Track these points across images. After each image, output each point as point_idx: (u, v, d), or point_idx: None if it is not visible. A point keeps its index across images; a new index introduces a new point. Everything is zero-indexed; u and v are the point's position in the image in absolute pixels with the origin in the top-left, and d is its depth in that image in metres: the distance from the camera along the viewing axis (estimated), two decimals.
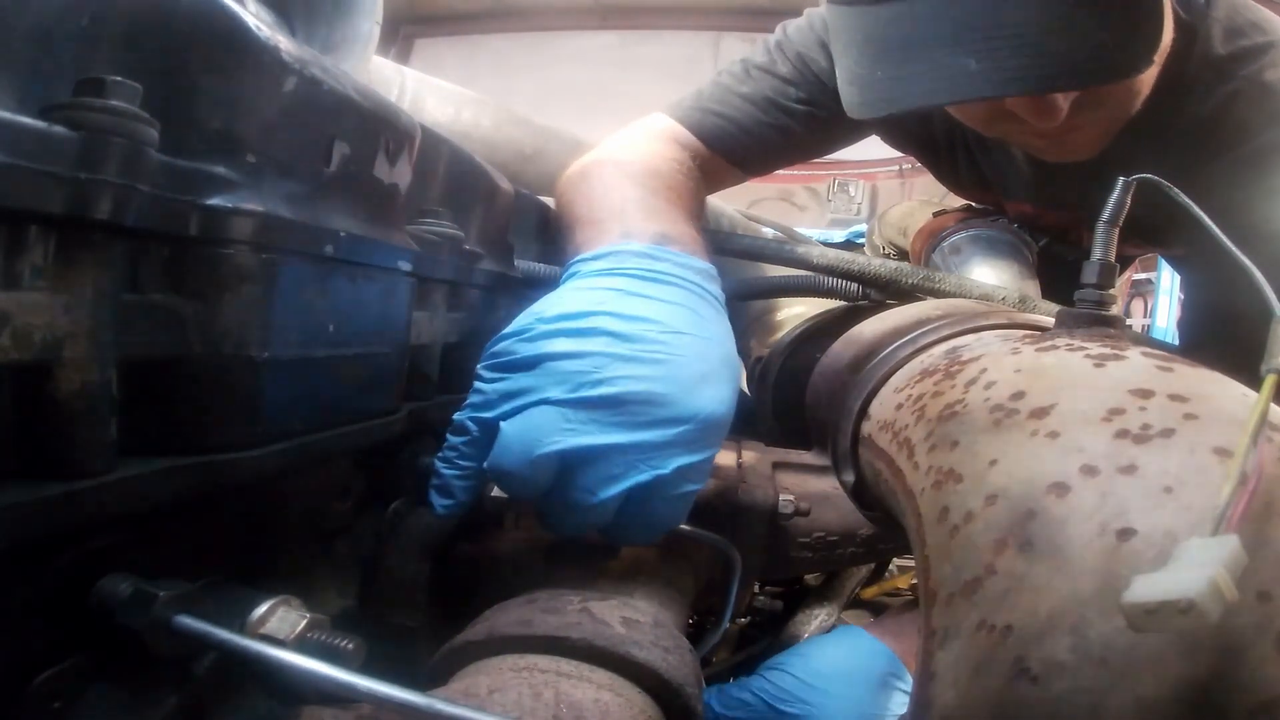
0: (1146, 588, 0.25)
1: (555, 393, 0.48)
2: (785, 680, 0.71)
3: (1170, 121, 0.77)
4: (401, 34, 5.17)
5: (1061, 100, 0.66)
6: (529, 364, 0.50)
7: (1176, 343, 1.03)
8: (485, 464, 0.49)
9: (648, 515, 0.51)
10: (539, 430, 0.48)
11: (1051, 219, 1.01)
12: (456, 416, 0.51)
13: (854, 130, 0.94)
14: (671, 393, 0.50)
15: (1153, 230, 0.86)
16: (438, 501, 0.51)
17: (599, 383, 0.48)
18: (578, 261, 0.60)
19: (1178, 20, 0.74)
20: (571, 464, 0.48)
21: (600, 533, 0.51)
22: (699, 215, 0.76)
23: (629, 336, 0.51)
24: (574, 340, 0.50)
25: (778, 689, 0.70)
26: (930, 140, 1.01)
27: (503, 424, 0.48)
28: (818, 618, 0.89)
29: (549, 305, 0.54)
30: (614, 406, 0.48)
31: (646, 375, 0.50)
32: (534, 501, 0.51)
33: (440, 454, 0.51)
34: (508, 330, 0.53)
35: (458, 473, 0.50)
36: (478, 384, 0.52)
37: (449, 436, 0.51)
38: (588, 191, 0.72)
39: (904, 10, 0.64)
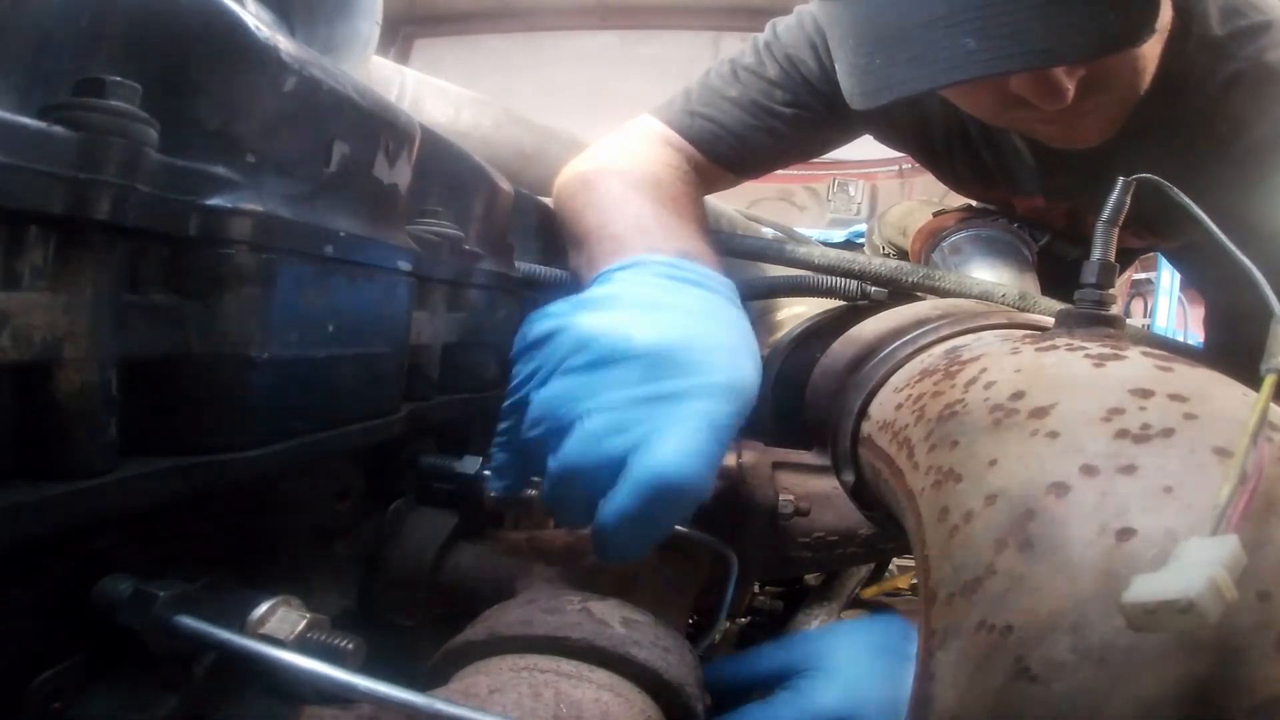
0: (1146, 587, 0.25)
1: (577, 359, 0.49)
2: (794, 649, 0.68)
3: (1175, 104, 0.77)
4: (401, 34, 5.18)
5: (1067, 80, 0.65)
6: (551, 336, 0.51)
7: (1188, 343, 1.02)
8: (520, 433, 0.50)
9: (663, 486, 0.45)
10: (563, 397, 0.48)
11: (1061, 211, 1.00)
12: (504, 403, 0.53)
13: (846, 131, 0.93)
14: (693, 354, 0.49)
15: (1155, 220, 0.86)
16: (494, 483, 0.53)
17: (617, 345, 0.48)
18: (606, 271, 0.60)
19: (1174, 1, 0.74)
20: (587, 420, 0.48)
21: (613, 535, 0.46)
22: (703, 223, 0.76)
23: (656, 308, 0.52)
24: (597, 312, 0.51)
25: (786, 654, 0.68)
26: (928, 139, 1.00)
27: (531, 396, 0.49)
28: (818, 618, 0.89)
29: (576, 296, 0.55)
30: (633, 365, 0.48)
31: (669, 338, 0.49)
32: (544, 496, 0.51)
33: (494, 439, 0.53)
34: (532, 314, 0.54)
35: (508, 455, 0.52)
36: (514, 368, 0.53)
37: (500, 421, 0.53)
38: (598, 203, 0.72)
39: None
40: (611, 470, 0.46)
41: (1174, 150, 0.78)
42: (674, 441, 0.46)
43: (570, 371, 0.49)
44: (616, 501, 0.46)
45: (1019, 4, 0.60)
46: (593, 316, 0.51)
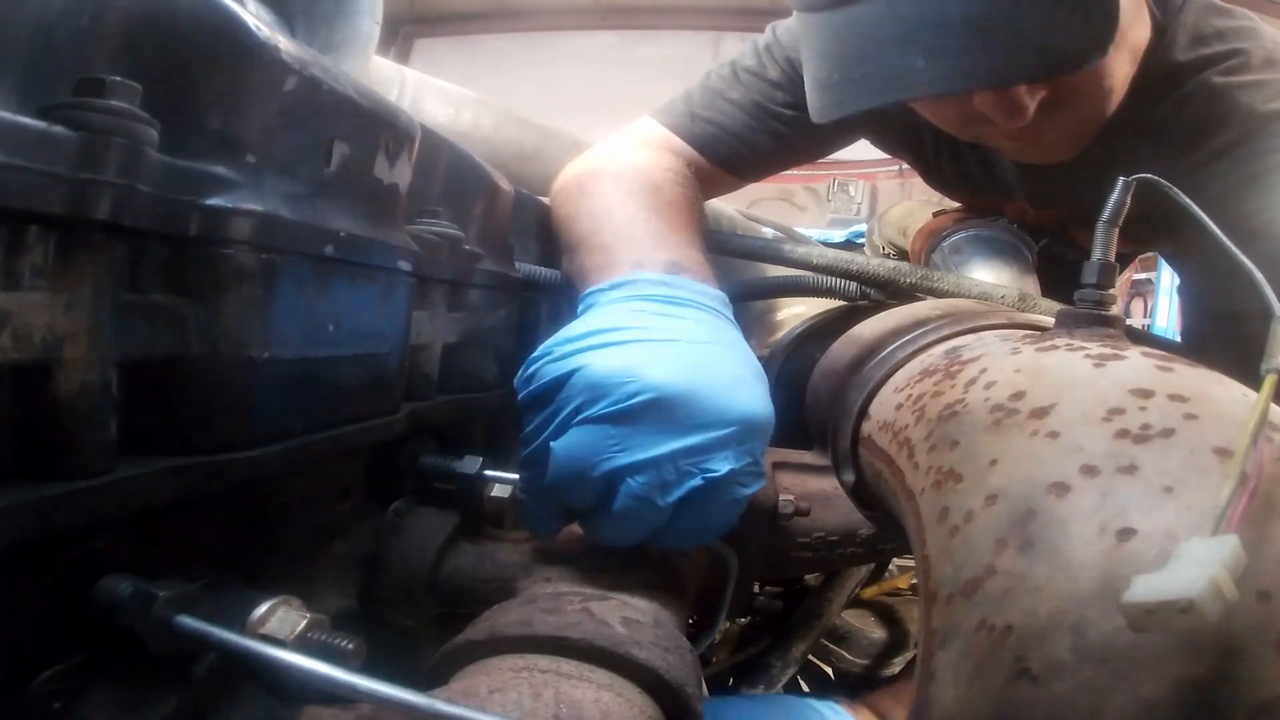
0: (1146, 588, 0.25)
1: (595, 408, 0.48)
2: None
3: (1134, 119, 0.77)
4: (401, 34, 5.18)
5: (1027, 99, 0.66)
6: (562, 382, 0.50)
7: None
8: (545, 482, 0.50)
9: (703, 519, 0.51)
10: (588, 449, 0.48)
11: (1049, 217, 1.01)
12: (523, 452, 0.53)
13: (846, 134, 0.94)
14: (713, 395, 0.49)
15: (1138, 229, 0.86)
16: (536, 531, 0.54)
17: (638, 392, 0.48)
18: (594, 292, 0.60)
19: (1152, 18, 0.74)
20: (626, 476, 0.48)
21: (651, 539, 0.51)
22: (700, 229, 0.76)
23: (662, 343, 0.51)
24: (605, 352, 0.50)
25: None
26: (917, 144, 1.01)
27: (553, 444, 0.49)
28: (818, 618, 0.89)
29: (573, 328, 0.54)
30: (657, 412, 0.48)
31: (685, 378, 0.49)
32: (581, 514, 0.52)
33: (520, 487, 0.54)
34: (534, 355, 0.53)
35: (538, 503, 0.53)
36: (524, 414, 0.52)
37: (521, 469, 0.53)
38: (590, 209, 0.72)
39: (858, 14, 0.65)
40: (663, 516, 0.49)
41: (1137, 160, 0.78)
42: (720, 500, 0.50)
43: (592, 421, 0.48)
44: (672, 541, 0.52)
45: (969, 25, 0.61)
46: (601, 358, 0.50)
